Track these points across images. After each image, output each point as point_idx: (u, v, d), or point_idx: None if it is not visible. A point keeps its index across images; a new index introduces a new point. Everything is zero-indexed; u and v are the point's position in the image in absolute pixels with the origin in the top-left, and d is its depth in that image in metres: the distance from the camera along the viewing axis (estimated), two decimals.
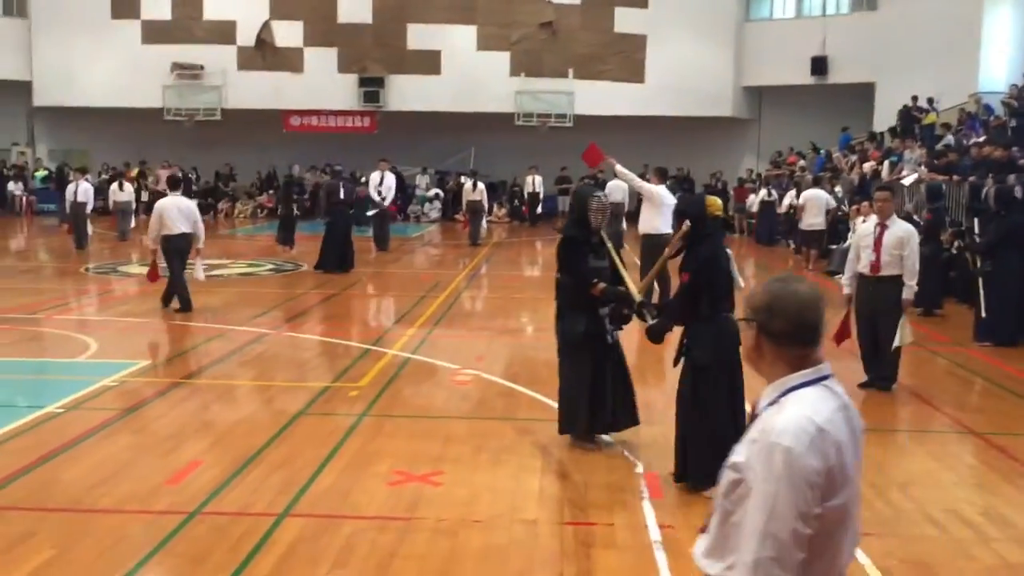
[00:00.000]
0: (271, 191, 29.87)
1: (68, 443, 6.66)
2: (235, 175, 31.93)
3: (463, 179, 25.56)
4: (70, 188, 20.15)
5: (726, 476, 2.37)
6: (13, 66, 30.74)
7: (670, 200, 12.20)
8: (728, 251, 6.10)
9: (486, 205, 22.75)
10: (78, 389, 8.14)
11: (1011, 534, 5.32)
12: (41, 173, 31.21)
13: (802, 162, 26.16)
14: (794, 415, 2.25)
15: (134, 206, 23.25)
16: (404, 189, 31.80)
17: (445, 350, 10.22)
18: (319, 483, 6.00)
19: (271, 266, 17.36)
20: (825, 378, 2.36)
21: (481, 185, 22.23)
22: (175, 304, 12.05)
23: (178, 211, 12.08)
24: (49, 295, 13.77)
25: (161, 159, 30.52)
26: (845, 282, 8.73)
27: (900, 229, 8.39)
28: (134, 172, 31.46)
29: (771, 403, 2.35)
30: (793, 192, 20.93)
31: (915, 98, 24.56)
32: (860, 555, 5.01)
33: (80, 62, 30.47)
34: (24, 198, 30.59)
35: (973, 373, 9.54)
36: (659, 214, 12.26)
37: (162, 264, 12.36)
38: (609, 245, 6.72)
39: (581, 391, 6.58)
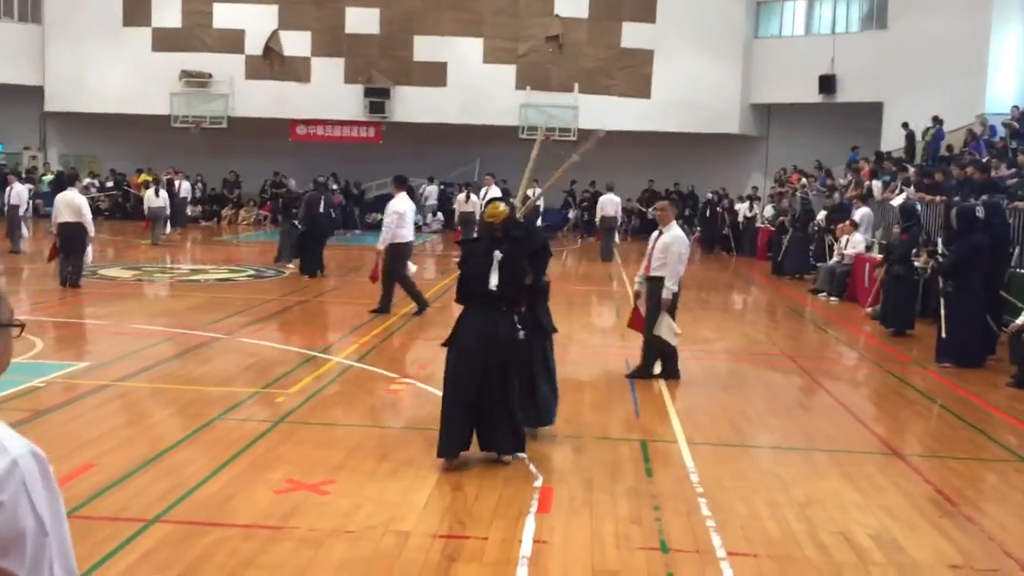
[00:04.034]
0: (267, 199, 30.09)
1: None
2: (241, 182, 32.11)
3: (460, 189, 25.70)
4: (6, 191, 20.36)
5: None
6: (26, 71, 31.20)
7: (402, 207, 12.31)
8: (497, 254, 6.37)
9: (479, 216, 22.67)
10: (2, 390, 8.10)
11: (895, 559, 5.12)
12: (48, 177, 31.52)
13: (803, 180, 25.87)
14: None
15: (168, 212, 23.81)
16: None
17: (391, 358, 10.15)
18: (205, 489, 5.90)
19: (252, 271, 17.38)
20: None
21: (474, 197, 22.18)
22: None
23: (64, 204, 14.24)
24: (18, 295, 13.83)
25: (167, 165, 30.77)
26: (637, 279, 9.64)
27: (668, 236, 9.16)
28: (140, 179, 31.84)
29: None
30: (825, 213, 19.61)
31: (939, 120, 24.04)
32: None
33: (91, 68, 30.85)
34: (32, 201, 30.85)
35: (922, 394, 9.31)
36: (403, 223, 12.50)
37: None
38: None
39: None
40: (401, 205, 12.76)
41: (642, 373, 9.29)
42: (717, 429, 7.79)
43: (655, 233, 9.44)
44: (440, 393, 8.45)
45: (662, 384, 9.19)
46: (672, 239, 9.12)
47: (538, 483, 6.22)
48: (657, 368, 9.34)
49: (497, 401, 6.44)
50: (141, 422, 7.43)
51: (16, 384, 8.29)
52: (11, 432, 1.97)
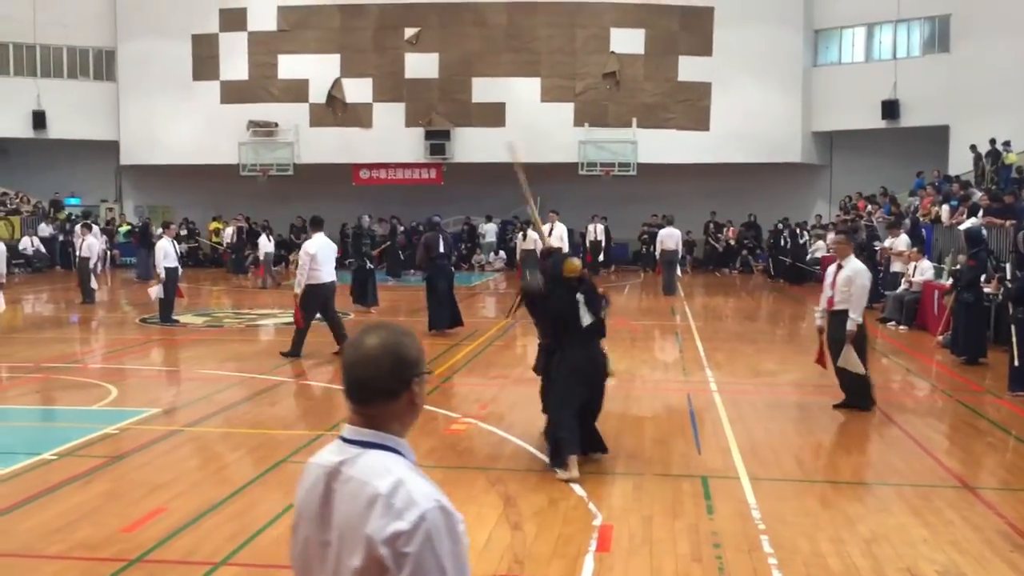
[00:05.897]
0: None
1: (46, 489, 6.86)
2: (307, 228, 32.69)
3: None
4: (77, 243, 20.71)
5: None
6: (103, 127, 32.43)
7: (314, 248, 12.61)
8: (579, 296, 7.56)
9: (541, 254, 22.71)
10: (80, 436, 8.40)
11: None
12: (124, 228, 32.54)
13: (869, 207, 25.49)
14: None
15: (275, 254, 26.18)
16: (475, 238, 32.39)
17: (453, 398, 10.23)
18: (270, 532, 6.03)
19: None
20: (342, 439, 2.27)
21: (533, 235, 22.27)
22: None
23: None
24: (95, 344, 14.30)
25: (237, 213, 31.56)
26: (817, 314, 9.82)
27: (850, 269, 9.33)
28: (212, 226, 32.72)
29: None
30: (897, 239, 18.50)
31: (992, 141, 23.65)
32: None
33: (163, 122, 31.90)
34: (108, 252, 31.87)
35: (995, 424, 9.07)
36: (316, 264, 12.58)
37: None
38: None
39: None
40: (313, 246, 12.73)
41: (852, 403, 9.41)
42: (781, 464, 7.70)
43: (832, 267, 9.58)
44: (500, 432, 8.56)
45: (724, 419, 9.13)
46: (854, 272, 9.27)
47: (597, 521, 6.22)
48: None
49: (591, 414, 7.51)
50: (210, 466, 7.62)
51: (91, 431, 8.59)
52: (424, 484, 2.12)
